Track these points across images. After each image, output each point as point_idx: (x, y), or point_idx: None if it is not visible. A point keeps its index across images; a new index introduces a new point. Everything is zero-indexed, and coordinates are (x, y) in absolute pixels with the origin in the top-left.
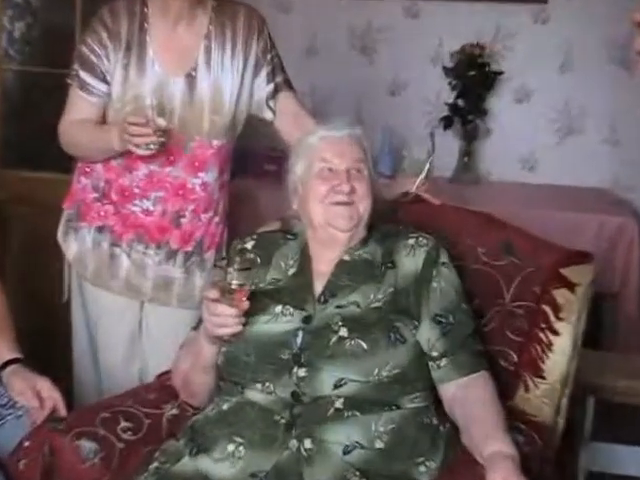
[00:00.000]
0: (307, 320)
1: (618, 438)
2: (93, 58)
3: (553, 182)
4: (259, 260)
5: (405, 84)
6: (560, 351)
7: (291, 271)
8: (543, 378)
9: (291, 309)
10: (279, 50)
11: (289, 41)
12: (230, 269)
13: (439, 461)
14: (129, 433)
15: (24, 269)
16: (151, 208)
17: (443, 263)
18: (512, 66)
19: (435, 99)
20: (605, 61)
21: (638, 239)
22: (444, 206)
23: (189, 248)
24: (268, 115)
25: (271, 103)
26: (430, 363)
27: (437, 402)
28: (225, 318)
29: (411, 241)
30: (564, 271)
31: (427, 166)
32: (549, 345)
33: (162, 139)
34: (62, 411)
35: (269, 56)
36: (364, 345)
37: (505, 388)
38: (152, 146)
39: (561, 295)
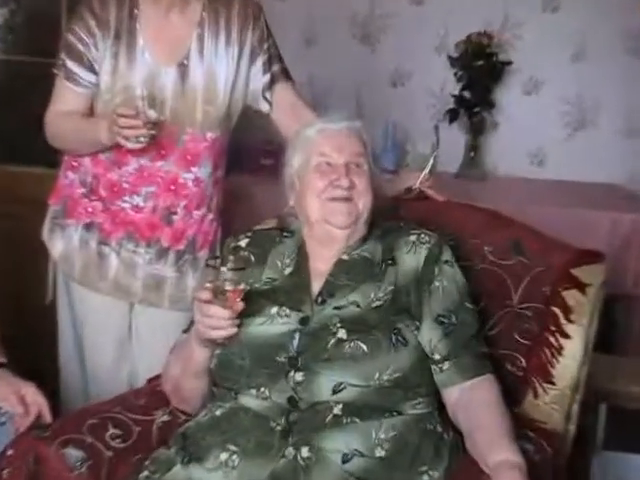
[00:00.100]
0: (304, 321)
1: (631, 447)
2: (80, 47)
3: (563, 177)
4: (254, 259)
5: (409, 75)
6: (571, 355)
7: (287, 270)
8: (553, 383)
9: (287, 310)
10: (276, 39)
11: (286, 29)
12: (223, 269)
13: (443, 470)
14: (118, 441)
15: (8, 268)
16: (141, 204)
17: (446, 261)
18: (521, 56)
19: (440, 91)
20: (619, 51)
21: None
22: (449, 203)
23: (181, 246)
24: (264, 107)
25: (267, 94)
26: (432, 366)
27: (441, 408)
28: (218, 320)
29: (412, 237)
30: (575, 271)
31: (431, 161)
32: (559, 349)
33: (153, 132)
34: (47, 417)
35: (265, 45)
36: (364, 347)
37: (513, 394)
38: (142, 139)
39: (572, 296)
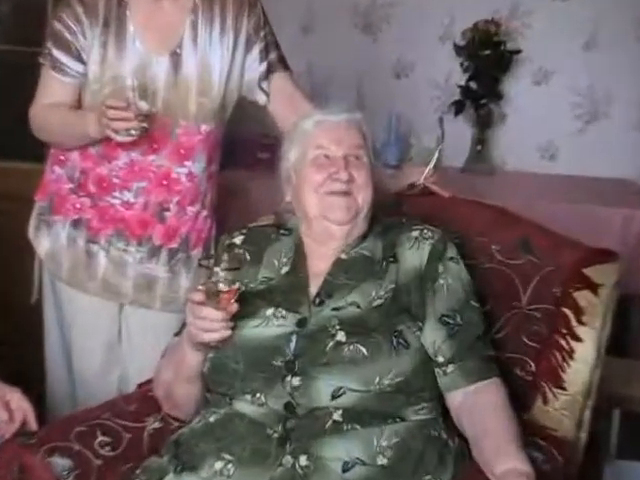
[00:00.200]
0: (301, 323)
1: None
2: (67, 35)
3: (574, 172)
4: (249, 257)
5: (412, 65)
6: (582, 359)
7: (284, 270)
8: (563, 389)
9: (284, 311)
10: (273, 27)
11: (284, 17)
12: (217, 268)
13: (447, 479)
14: (107, 448)
15: None
16: (132, 200)
17: (451, 258)
18: (530, 45)
19: (445, 81)
20: (632, 39)
21: None
22: (454, 199)
23: (174, 245)
24: (261, 98)
25: (264, 84)
26: (436, 369)
27: (446, 413)
28: (211, 322)
29: (415, 233)
30: (587, 271)
31: (436, 155)
32: (570, 352)
33: (144, 124)
34: (33, 424)
35: (262, 33)
36: (364, 350)
37: (521, 400)
38: (133, 132)
39: (583, 297)
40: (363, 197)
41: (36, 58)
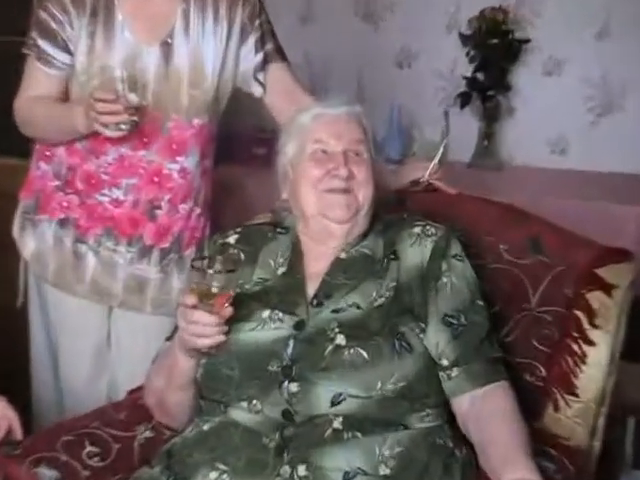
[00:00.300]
0: (299, 326)
1: None
2: (53, 25)
3: (587, 168)
4: (244, 257)
5: (415, 55)
6: (595, 364)
7: (281, 270)
8: (576, 395)
9: (280, 314)
10: (270, 16)
11: (281, 6)
12: (210, 270)
13: None
14: (96, 459)
15: None
16: (121, 198)
17: (454, 255)
18: (540, 34)
19: (450, 72)
20: None
21: None
22: (460, 196)
23: (166, 244)
24: (257, 90)
25: (260, 76)
26: (440, 373)
27: (453, 420)
28: (204, 327)
29: (417, 229)
30: (600, 271)
31: (441, 149)
32: (582, 357)
33: (134, 118)
34: (18, 433)
35: (257, 22)
36: (365, 354)
37: (531, 406)
38: (123, 126)
39: (596, 299)
40: (364, 194)
41: (20, 48)
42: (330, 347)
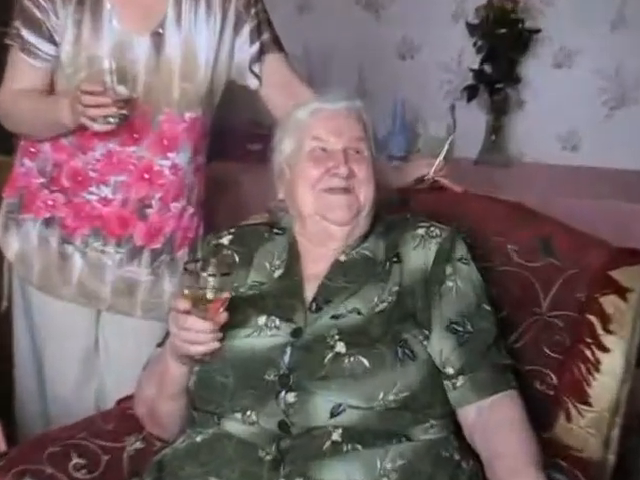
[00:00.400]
0: (296, 333)
1: None
2: (38, 14)
3: (600, 164)
4: (238, 259)
5: (420, 46)
6: (609, 371)
7: (277, 273)
8: (589, 404)
9: (277, 320)
10: (266, 4)
11: None
12: (204, 274)
13: None
14: (83, 472)
15: None
16: (110, 196)
17: (459, 258)
18: (551, 23)
19: (456, 64)
20: None
21: None
22: (467, 194)
23: (157, 245)
24: (252, 82)
25: (255, 68)
26: (445, 382)
27: (459, 431)
28: (197, 334)
29: (421, 231)
30: (614, 273)
31: (446, 145)
32: (596, 364)
33: (123, 111)
34: (2, 444)
35: (253, 10)
36: (366, 363)
37: (542, 416)
38: (111, 120)
39: (610, 303)
40: (365, 194)
41: (3, 39)
42: (329, 355)
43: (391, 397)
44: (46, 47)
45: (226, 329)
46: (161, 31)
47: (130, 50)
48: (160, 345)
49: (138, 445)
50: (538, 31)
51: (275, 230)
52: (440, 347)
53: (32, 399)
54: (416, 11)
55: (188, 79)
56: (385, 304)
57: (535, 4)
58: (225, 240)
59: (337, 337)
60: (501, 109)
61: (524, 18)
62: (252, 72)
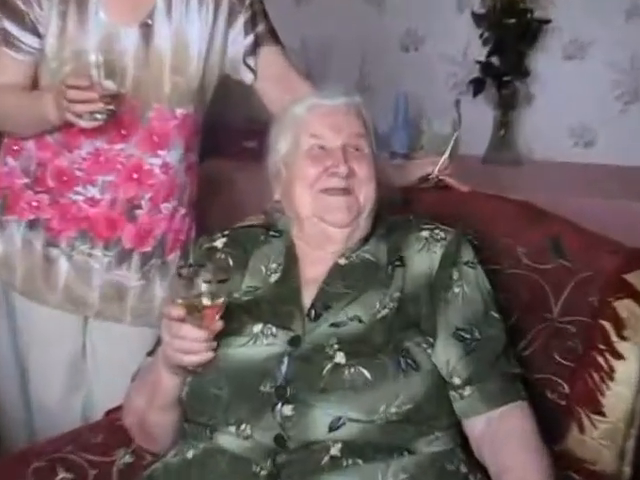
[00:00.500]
0: (294, 342)
1: None
2: (21, 5)
3: (614, 162)
4: (232, 262)
5: (423, 37)
6: (624, 380)
7: (273, 277)
8: (602, 415)
9: (274, 328)
10: None
11: None
12: (200, 280)
13: None
14: None
15: None
16: (97, 196)
17: (466, 262)
18: (562, 13)
19: (462, 56)
20: None
21: None
22: (474, 194)
23: (147, 248)
24: (247, 76)
25: (250, 61)
26: (451, 392)
27: (467, 443)
28: (191, 343)
29: (425, 233)
30: (629, 277)
31: (452, 142)
32: (610, 372)
33: (111, 107)
34: None
35: (247, 1)
36: (366, 374)
37: (553, 428)
38: (98, 116)
39: (625, 307)
40: (365, 194)
41: None
42: (329, 366)
43: (393, 410)
44: (29, 40)
45: (220, 338)
46: (150, 22)
47: (118, 42)
48: (151, 353)
49: (128, 459)
50: (548, 21)
51: (271, 232)
52: (446, 356)
53: (15, 407)
54: (420, 1)
55: (179, 72)
56: (387, 310)
57: None
58: (219, 243)
59: (337, 347)
60: (509, 104)
61: (533, 8)
62: (247, 65)
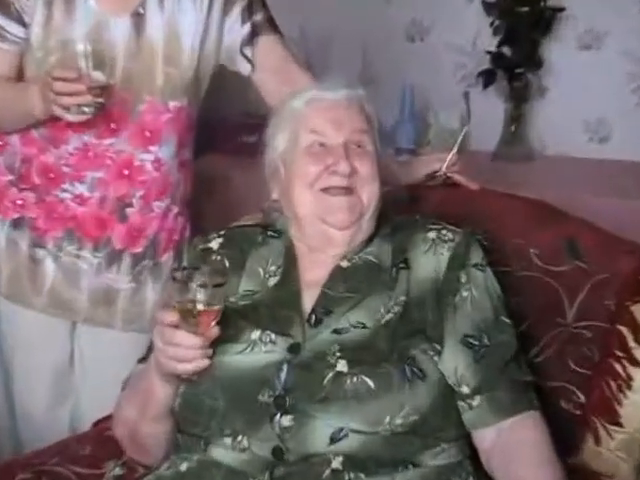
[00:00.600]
0: (294, 349)
1: None
2: None
3: (631, 158)
4: (228, 265)
5: (430, 26)
6: None
7: (272, 281)
8: (620, 425)
9: (272, 335)
10: None
11: None
12: (195, 285)
13: None
14: None
15: None
16: (86, 194)
17: (475, 264)
18: (576, 1)
19: (471, 46)
20: None
21: None
22: (484, 191)
23: (138, 249)
24: (244, 67)
25: (247, 51)
26: (459, 403)
27: (476, 455)
28: (186, 350)
29: (432, 234)
30: None
31: (460, 137)
32: (627, 380)
33: (99, 99)
34: None
35: None
36: (370, 383)
37: (567, 439)
38: (86, 109)
39: None
40: (369, 193)
41: None
42: (330, 374)
43: (398, 421)
44: (15, 29)
45: (216, 345)
46: (142, 11)
47: (107, 32)
48: (142, 360)
49: (118, 471)
50: (562, 9)
51: (270, 233)
52: (454, 363)
53: (0, 420)
54: None
55: (172, 63)
56: (391, 315)
57: None
58: (214, 244)
59: (338, 354)
60: (521, 96)
61: None
62: (243, 56)
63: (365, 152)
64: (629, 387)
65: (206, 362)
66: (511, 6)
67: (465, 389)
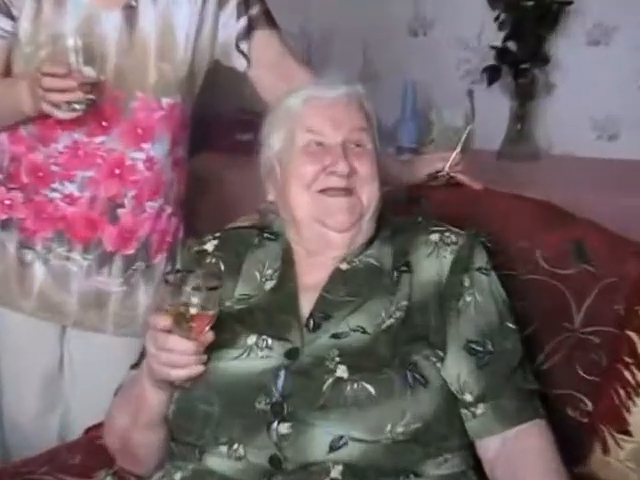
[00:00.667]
0: (292, 355)
1: None
2: None
3: None
4: (223, 268)
5: (432, 21)
6: None
7: (269, 284)
8: (629, 434)
9: (269, 340)
10: None
11: None
12: (188, 288)
13: None
14: None
15: None
16: (76, 194)
17: (479, 268)
18: None
19: (475, 41)
20: None
21: None
22: (488, 192)
23: (130, 251)
24: (240, 63)
25: (243, 45)
26: (463, 411)
27: (479, 466)
28: (180, 355)
29: (434, 237)
30: None
31: (464, 136)
32: (637, 387)
33: (90, 96)
34: None
35: None
36: (371, 390)
37: (574, 448)
38: (76, 106)
39: None
40: (368, 194)
41: None
42: (329, 381)
43: (400, 429)
44: (2, 23)
45: (211, 350)
46: (134, 4)
47: (98, 25)
48: (135, 366)
49: None
50: (569, 3)
51: (266, 235)
52: (457, 370)
53: None
54: None
55: (166, 59)
56: (392, 320)
57: None
58: (209, 246)
59: (338, 360)
60: (527, 93)
61: None
62: (239, 51)
63: (364, 151)
64: (638, 395)
65: (200, 368)
66: (517, 0)
67: (468, 397)
